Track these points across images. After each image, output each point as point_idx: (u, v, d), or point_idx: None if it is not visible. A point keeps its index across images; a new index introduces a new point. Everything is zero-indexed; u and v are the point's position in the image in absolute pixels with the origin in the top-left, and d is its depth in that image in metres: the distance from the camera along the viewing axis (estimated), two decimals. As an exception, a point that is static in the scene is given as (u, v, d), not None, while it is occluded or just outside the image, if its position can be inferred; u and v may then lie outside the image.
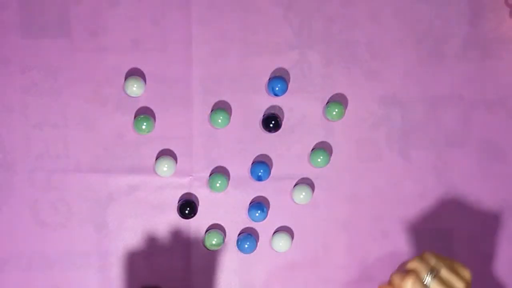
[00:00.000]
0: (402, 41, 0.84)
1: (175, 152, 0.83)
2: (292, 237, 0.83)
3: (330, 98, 0.83)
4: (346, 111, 0.83)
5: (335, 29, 0.83)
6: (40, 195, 0.82)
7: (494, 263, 0.85)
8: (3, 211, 0.82)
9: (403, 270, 0.72)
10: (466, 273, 0.72)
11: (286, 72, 0.83)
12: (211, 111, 0.83)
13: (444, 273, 0.70)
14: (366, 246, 0.84)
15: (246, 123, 0.83)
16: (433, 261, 0.71)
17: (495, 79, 0.84)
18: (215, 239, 0.82)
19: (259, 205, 0.82)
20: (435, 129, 0.84)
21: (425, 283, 0.70)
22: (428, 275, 0.70)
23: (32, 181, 0.82)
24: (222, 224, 0.83)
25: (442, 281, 0.70)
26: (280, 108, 0.83)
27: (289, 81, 0.83)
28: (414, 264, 0.71)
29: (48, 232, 0.82)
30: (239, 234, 0.83)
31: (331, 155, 0.83)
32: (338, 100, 0.83)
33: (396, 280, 0.71)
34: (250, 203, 0.83)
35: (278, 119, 0.82)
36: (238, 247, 0.82)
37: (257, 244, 0.83)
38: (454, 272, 0.71)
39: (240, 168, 0.83)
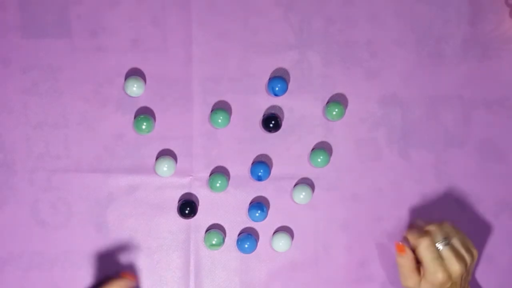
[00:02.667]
0: (402, 41, 0.84)
1: (175, 152, 0.83)
2: (292, 237, 0.83)
3: (330, 98, 0.84)
4: (346, 111, 0.83)
5: (335, 29, 0.83)
6: (40, 195, 0.82)
7: (494, 263, 0.85)
8: (3, 211, 0.82)
9: (419, 230, 0.79)
10: (475, 251, 0.78)
11: (286, 72, 0.83)
12: (211, 111, 0.83)
13: (456, 243, 0.77)
14: (366, 246, 0.84)
15: (246, 123, 0.83)
16: (448, 229, 0.78)
17: (495, 79, 0.84)
18: (215, 239, 0.82)
19: (259, 205, 0.82)
20: (435, 129, 0.84)
21: (437, 246, 0.76)
22: (442, 241, 0.76)
23: (32, 181, 0.82)
24: (222, 224, 0.83)
25: (452, 249, 0.76)
26: (280, 108, 0.83)
27: (289, 81, 0.83)
28: (431, 228, 0.78)
29: (48, 232, 0.82)
30: (239, 234, 0.83)
31: (331, 155, 0.83)
32: (338, 100, 0.83)
33: (412, 236, 0.78)
34: (250, 203, 0.83)
35: (278, 119, 0.82)
36: (238, 247, 0.82)
37: (257, 244, 0.83)
38: (465, 245, 0.77)
39: (240, 168, 0.83)
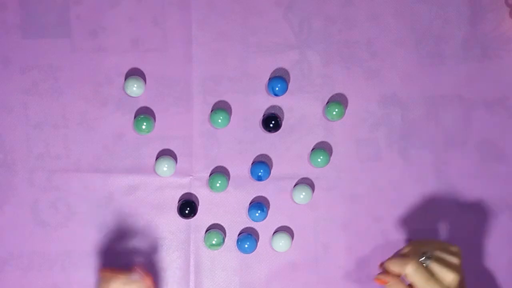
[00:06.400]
0: (402, 41, 0.84)
1: (175, 152, 0.83)
2: (292, 237, 0.83)
3: (330, 98, 0.84)
4: (346, 111, 0.83)
5: (335, 29, 0.83)
6: (40, 195, 0.82)
7: (494, 263, 0.85)
8: (3, 211, 0.82)
9: (397, 260, 0.75)
10: (455, 248, 0.75)
11: (286, 72, 0.83)
12: (211, 111, 0.83)
13: (438, 253, 0.74)
14: (366, 246, 0.84)
15: (246, 123, 0.83)
16: (421, 244, 0.76)
17: (495, 79, 0.84)
18: (215, 239, 0.82)
19: (259, 205, 0.82)
20: (435, 129, 0.84)
21: (424, 265, 0.73)
22: (424, 258, 0.73)
23: (32, 181, 0.82)
24: (222, 224, 0.83)
25: (438, 260, 0.73)
26: (280, 108, 0.83)
27: (289, 81, 0.83)
28: (406, 250, 0.75)
29: (48, 232, 0.82)
30: (239, 234, 0.83)
31: (331, 155, 0.83)
32: (338, 100, 0.83)
33: (395, 266, 0.74)
34: (250, 203, 0.83)
35: (278, 119, 0.82)
36: (238, 247, 0.82)
37: (257, 244, 0.83)
38: (445, 250, 0.75)
39: (240, 168, 0.83)
